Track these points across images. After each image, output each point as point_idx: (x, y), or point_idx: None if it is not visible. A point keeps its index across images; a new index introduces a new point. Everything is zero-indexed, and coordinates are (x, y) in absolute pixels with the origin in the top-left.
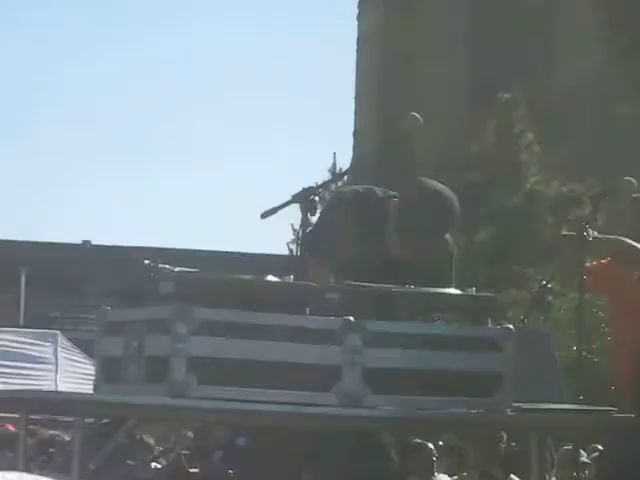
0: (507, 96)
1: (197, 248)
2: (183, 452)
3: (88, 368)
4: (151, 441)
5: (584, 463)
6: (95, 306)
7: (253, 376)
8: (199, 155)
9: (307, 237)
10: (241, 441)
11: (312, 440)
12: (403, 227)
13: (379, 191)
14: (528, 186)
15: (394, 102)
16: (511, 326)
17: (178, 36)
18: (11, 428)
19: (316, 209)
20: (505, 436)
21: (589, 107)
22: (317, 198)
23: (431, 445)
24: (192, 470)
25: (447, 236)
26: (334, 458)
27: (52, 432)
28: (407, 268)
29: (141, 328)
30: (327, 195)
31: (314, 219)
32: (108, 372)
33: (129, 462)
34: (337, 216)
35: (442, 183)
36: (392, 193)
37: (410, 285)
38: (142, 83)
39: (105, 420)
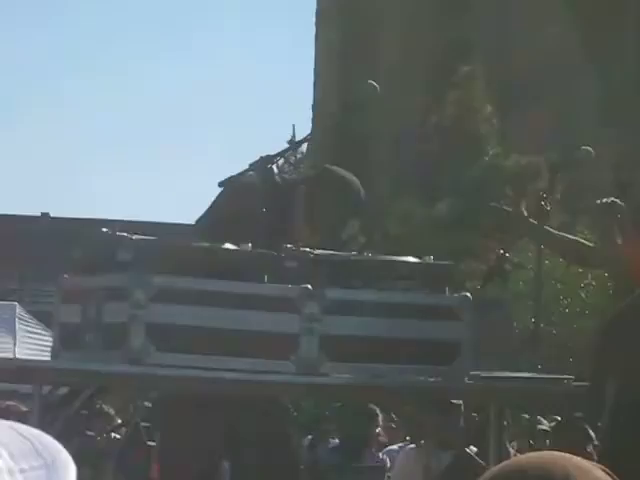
0: (467, 68)
1: (156, 220)
2: (143, 424)
3: (47, 339)
4: (111, 411)
5: (542, 431)
6: (54, 278)
7: (211, 343)
8: (161, 124)
9: (201, 221)
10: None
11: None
12: (310, 213)
13: (282, 179)
14: (487, 158)
15: (353, 74)
16: (469, 294)
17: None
18: None
19: (273, 177)
20: (462, 406)
21: (550, 78)
22: (274, 167)
23: (378, 412)
24: (150, 443)
25: (352, 223)
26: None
27: (8, 403)
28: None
29: (99, 296)
30: (285, 165)
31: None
32: (66, 340)
33: (88, 433)
34: (240, 202)
35: (395, 153)
36: (297, 180)
37: None
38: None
39: (63, 392)
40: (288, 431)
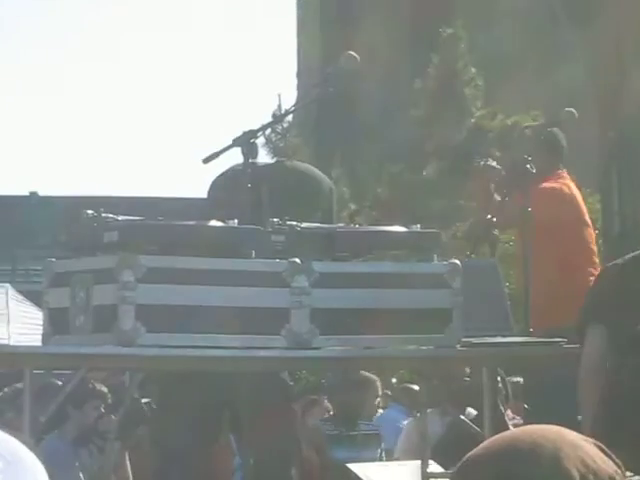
0: (449, 31)
1: (141, 195)
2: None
3: (40, 318)
4: (104, 389)
5: None
6: (45, 257)
7: (201, 322)
8: (148, 98)
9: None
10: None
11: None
12: (273, 213)
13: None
14: (472, 120)
15: (336, 40)
16: (458, 261)
17: None
18: None
19: (257, 152)
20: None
21: (531, 39)
22: (257, 141)
23: (376, 380)
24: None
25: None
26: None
27: None
28: None
29: (88, 278)
30: (272, 135)
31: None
32: (56, 323)
33: (85, 414)
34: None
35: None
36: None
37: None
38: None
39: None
40: (286, 401)
